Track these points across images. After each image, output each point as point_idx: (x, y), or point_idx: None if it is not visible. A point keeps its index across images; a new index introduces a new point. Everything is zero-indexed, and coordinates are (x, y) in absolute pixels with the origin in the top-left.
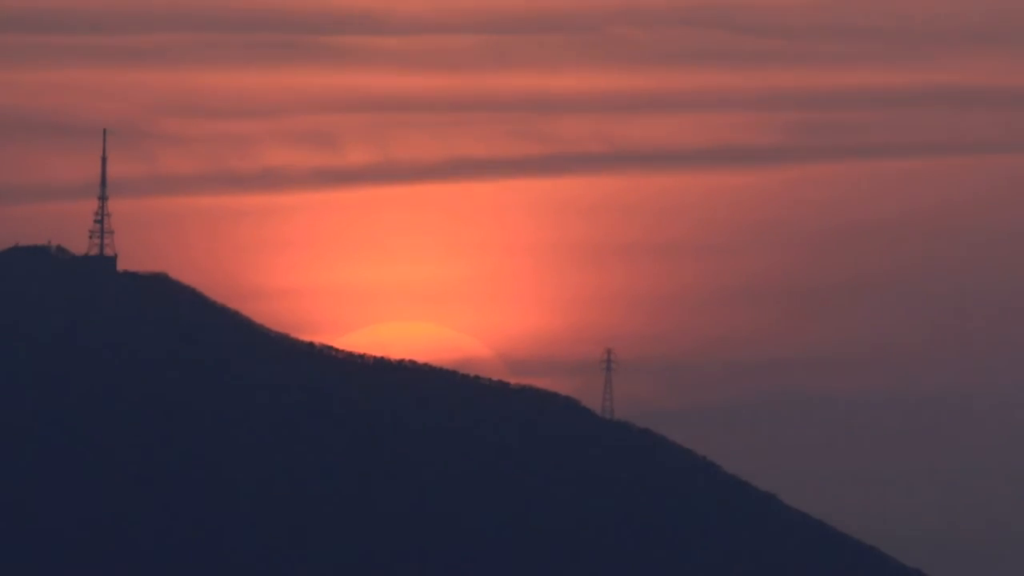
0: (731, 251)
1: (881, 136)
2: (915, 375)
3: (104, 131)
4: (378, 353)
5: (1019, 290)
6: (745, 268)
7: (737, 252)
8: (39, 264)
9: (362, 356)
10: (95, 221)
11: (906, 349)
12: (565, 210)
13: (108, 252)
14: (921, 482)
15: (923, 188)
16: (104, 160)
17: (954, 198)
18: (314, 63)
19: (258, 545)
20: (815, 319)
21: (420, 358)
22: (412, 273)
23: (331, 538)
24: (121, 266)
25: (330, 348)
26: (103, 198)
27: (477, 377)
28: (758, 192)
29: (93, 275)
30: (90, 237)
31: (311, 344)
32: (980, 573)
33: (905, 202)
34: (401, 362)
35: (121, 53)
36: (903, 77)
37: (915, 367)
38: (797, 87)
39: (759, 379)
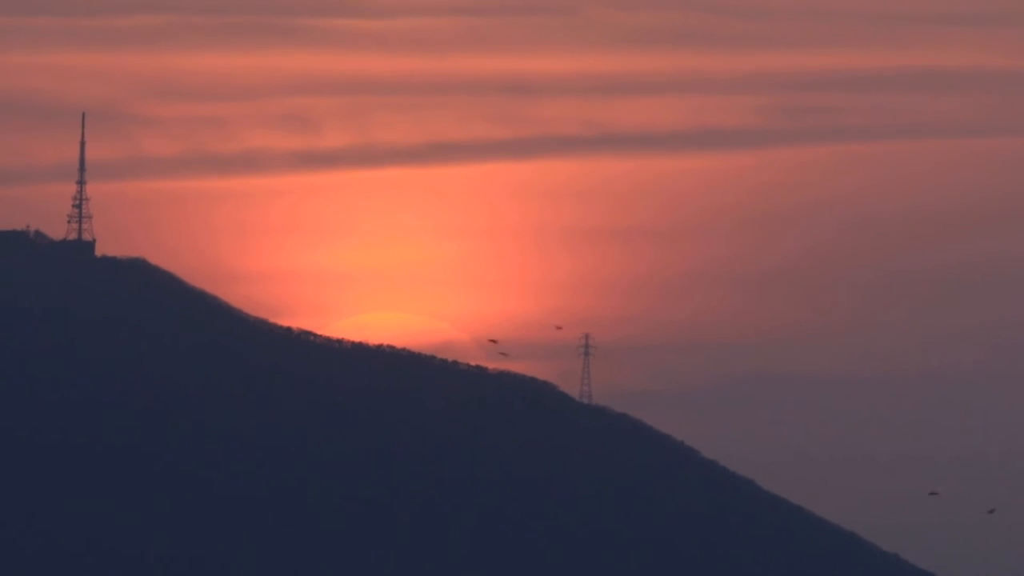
0: (712, 233)
1: (858, 119)
2: (895, 356)
3: (83, 114)
4: (357, 338)
5: (993, 270)
6: (726, 250)
7: (718, 234)
8: (17, 249)
9: (340, 341)
10: (73, 206)
11: (886, 330)
12: (544, 193)
13: (87, 237)
14: (901, 466)
15: (897, 171)
16: (83, 144)
17: (928, 180)
18: (294, 46)
19: (235, 528)
20: (799, 301)
21: (398, 343)
22: (390, 257)
23: (307, 520)
24: (99, 251)
25: (308, 333)
26: (81, 182)
27: (455, 362)
28: (739, 174)
29: (72, 260)
30: (68, 222)
31: (289, 329)
32: (957, 557)
33: (880, 184)
34: (380, 347)
35: (100, 35)
36: (880, 60)
37: (895, 348)
38: (777, 69)
39: (740, 362)
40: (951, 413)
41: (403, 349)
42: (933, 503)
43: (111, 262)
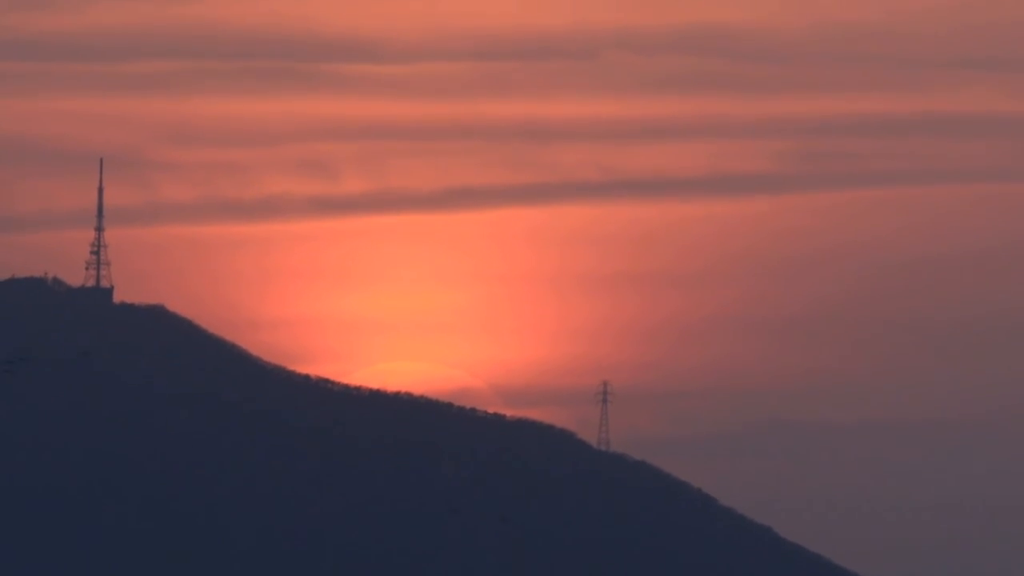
0: (731, 279)
1: (876, 164)
2: (914, 403)
3: (101, 160)
4: (375, 386)
5: (1011, 315)
6: (745, 296)
7: (737, 280)
8: (35, 296)
9: (358, 389)
10: (91, 252)
11: (906, 377)
12: (561, 239)
13: (104, 283)
14: (921, 514)
15: (917, 216)
16: (101, 190)
17: (947, 225)
18: (310, 91)
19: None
20: (819, 347)
21: (416, 390)
22: (408, 303)
23: (328, 567)
24: (118, 298)
25: (327, 381)
26: (99, 229)
27: (473, 409)
28: (757, 219)
29: (90, 307)
30: (86, 268)
31: (307, 377)
32: None
33: (899, 229)
34: (397, 395)
35: (118, 81)
36: (898, 105)
37: (914, 395)
38: (795, 114)
39: (758, 409)
40: (973, 460)
41: (421, 397)
42: (953, 547)
43: (129, 309)
